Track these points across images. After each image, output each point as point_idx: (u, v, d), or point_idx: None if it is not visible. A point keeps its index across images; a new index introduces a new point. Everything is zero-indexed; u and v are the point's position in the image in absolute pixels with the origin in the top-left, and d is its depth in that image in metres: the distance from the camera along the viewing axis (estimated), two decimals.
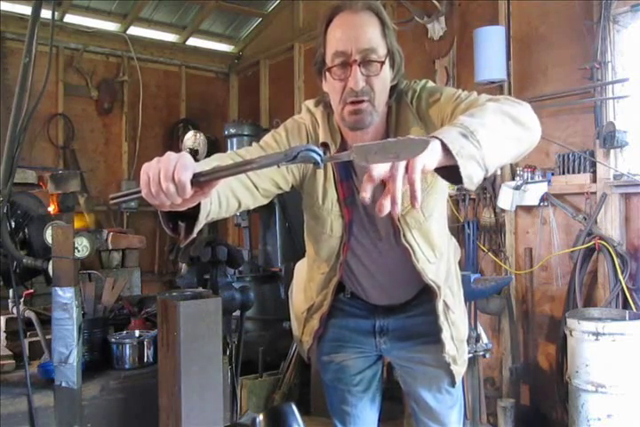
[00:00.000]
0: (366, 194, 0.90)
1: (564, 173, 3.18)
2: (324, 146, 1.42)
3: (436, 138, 0.93)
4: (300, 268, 1.74)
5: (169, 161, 0.92)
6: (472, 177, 0.96)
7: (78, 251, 2.07)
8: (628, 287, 2.85)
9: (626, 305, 2.86)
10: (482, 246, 3.59)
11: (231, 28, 5.91)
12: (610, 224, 2.98)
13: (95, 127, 5.40)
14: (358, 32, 1.29)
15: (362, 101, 1.30)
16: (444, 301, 1.51)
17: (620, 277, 2.85)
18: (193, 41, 5.87)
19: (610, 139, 2.92)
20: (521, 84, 3.48)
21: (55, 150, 5.13)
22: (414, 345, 1.59)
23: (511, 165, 3.45)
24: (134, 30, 5.52)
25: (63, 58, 5.17)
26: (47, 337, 1.83)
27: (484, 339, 2.92)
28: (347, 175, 1.44)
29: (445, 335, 1.52)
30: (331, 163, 1.43)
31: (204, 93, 6.02)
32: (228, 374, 1.98)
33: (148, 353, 1.91)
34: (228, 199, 1.21)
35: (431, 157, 0.90)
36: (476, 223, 3.61)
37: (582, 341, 2.66)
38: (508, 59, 3.45)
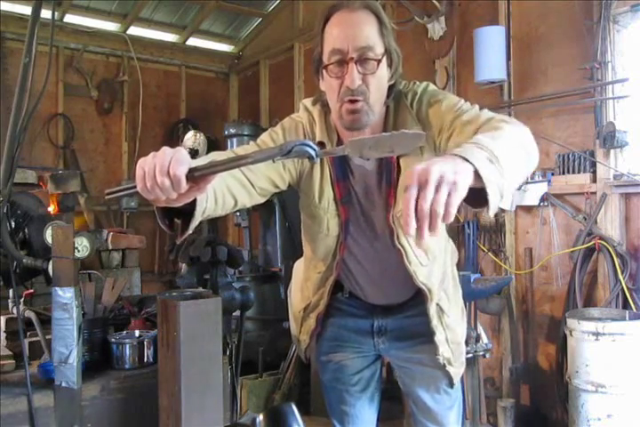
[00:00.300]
0: (411, 230, 0.84)
1: (563, 173, 3.18)
2: (321, 144, 1.42)
3: (467, 161, 0.90)
4: (299, 267, 1.74)
5: (164, 156, 0.92)
6: (494, 205, 0.95)
7: (78, 251, 2.07)
8: (627, 287, 2.85)
9: (626, 305, 2.86)
10: (482, 246, 3.59)
11: (231, 28, 5.91)
12: (610, 224, 2.98)
13: (95, 127, 5.40)
14: (355, 30, 1.29)
15: (357, 101, 1.30)
16: (437, 304, 1.51)
17: (620, 277, 2.85)
18: (193, 41, 5.87)
19: (610, 139, 2.91)
20: (521, 84, 3.48)
21: (55, 150, 5.13)
22: (412, 345, 1.59)
23: None
24: (134, 30, 5.52)
25: (63, 58, 5.17)
26: (47, 337, 1.82)
27: (484, 339, 2.92)
28: (343, 175, 1.44)
29: (439, 338, 1.52)
30: (327, 162, 1.43)
31: (204, 93, 6.02)
32: (228, 374, 1.98)
33: (148, 353, 1.91)
34: (224, 196, 1.21)
35: (468, 178, 0.88)
36: (476, 223, 3.61)
37: (582, 341, 2.66)
38: (508, 59, 3.45)
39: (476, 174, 0.90)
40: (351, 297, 1.61)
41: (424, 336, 1.55)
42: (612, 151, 2.98)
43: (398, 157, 1.38)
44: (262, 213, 4.29)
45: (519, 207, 3.40)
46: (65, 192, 2.90)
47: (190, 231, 1.08)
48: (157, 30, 5.67)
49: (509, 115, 3.48)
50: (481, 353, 2.89)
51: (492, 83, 3.46)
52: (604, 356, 2.61)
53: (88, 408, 1.74)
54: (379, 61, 1.30)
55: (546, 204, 3.25)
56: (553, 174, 3.22)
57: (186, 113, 5.86)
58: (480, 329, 2.96)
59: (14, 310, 1.99)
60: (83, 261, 2.21)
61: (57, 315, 1.67)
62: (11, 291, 2.09)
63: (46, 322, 1.86)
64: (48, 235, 2.08)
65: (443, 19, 3.81)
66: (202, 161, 1.06)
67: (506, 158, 0.97)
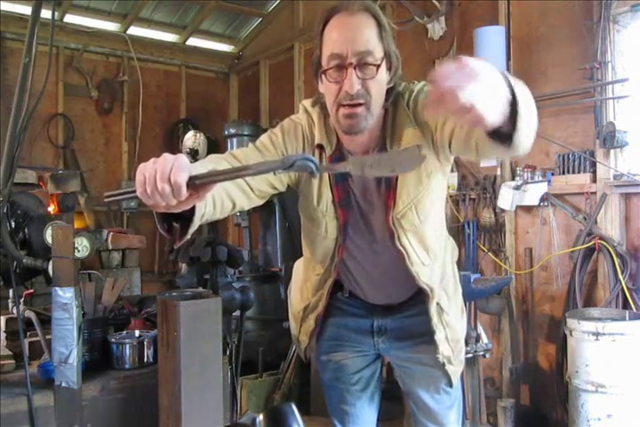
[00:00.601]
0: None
1: (564, 173, 3.18)
2: (319, 147, 1.42)
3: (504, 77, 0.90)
4: (298, 267, 1.74)
5: (165, 162, 0.92)
6: (524, 121, 0.94)
7: (78, 251, 2.07)
8: (627, 287, 2.85)
9: (626, 305, 2.86)
10: (482, 246, 3.59)
11: (231, 28, 5.91)
12: (610, 224, 2.98)
13: (95, 127, 5.40)
14: (355, 34, 1.28)
15: (357, 105, 1.29)
16: (437, 303, 1.51)
17: (620, 277, 2.85)
18: (193, 41, 5.87)
19: (610, 139, 2.91)
20: None
21: (55, 150, 5.13)
22: (412, 345, 1.59)
23: (511, 164, 3.46)
24: (134, 30, 5.52)
25: (63, 58, 5.17)
26: (47, 337, 1.83)
27: (484, 339, 2.92)
28: (342, 177, 1.44)
29: (439, 337, 1.52)
30: (326, 161, 1.43)
31: (204, 93, 6.02)
32: (228, 374, 1.98)
33: (148, 353, 1.91)
34: (222, 200, 1.21)
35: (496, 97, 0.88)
36: (476, 223, 3.61)
37: (582, 341, 2.66)
38: (508, 59, 3.45)
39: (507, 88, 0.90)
40: (351, 297, 1.61)
41: (424, 336, 1.55)
42: (612, 151, 2.98)
43: None
44: (262, 213, 4.29)
45: (519, 207, 3.40)
46: (65, 192, 2.89)
47: (189, 236, 1.08)
48: (157, 30, 5.67)
49: None
50: (481, 353, 2.89)
51: None
52: (604, 356, 2.61)
53: (88, 408, 1.74)
54: (378, 66, 1.29)
55: (546, 204, 3.25)
56: (553, 174, 3.22)
57: (186, 113, 5.86)
58: (480, 329, 2.96)
59: (14, 310, 1.99)
60: (83, 261, 2.21)
61: (57, 315, 1.67)
62: (11, 291, 2.09)
63: (46, 322, 1.86)
64: (48, 235, 2.08)
65: (443, 19, 3.82)
66: (200, 167, 1.06)
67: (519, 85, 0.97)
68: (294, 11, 5.27)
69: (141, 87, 5.42)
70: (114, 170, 5.46)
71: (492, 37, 3.39)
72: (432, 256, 1.49)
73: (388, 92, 1.37)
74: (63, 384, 1.66)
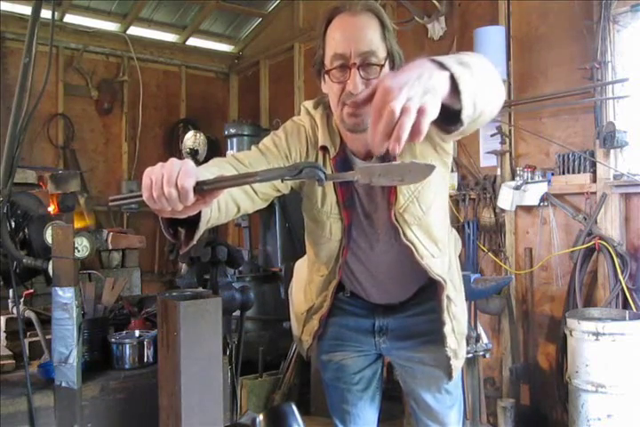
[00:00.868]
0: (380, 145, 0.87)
1: (564, 173, 3.18)
2: (323, 149, 1.42)
3: (442, 66, 0.93)
4: (300, 267, 1.74)
5: (172, 167, 0.92)
6: (468, 112, 0.97)
7: (78, 251, 2.07)
8: (627, 287, 2.85)
9: (626, 305, 2.86)
10: (482, 246, 3.59)
11: (231, 28, 5.91)
12: (610, 224, 2.98)
13: (95, 127, 5.40)
14: (358, 34, 1.28)
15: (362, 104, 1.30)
16: (447, 294, 1.51)
17: (620, 277, 2.85)
18: (193, 41, 5.87)
19: (610, 139, 2.92)
20: (521, 84, 3.48)
21: (55, 150, 5.13)
22: (414, 345, 1.59)
23: (511, 164, 3.46)
24: (134, 30, 5.51)
25: (63, 58, 5.17)
26: (47, 337, 1.82)
27: (484, 339, 2.92)
28: None
29: (447, 329, 1.51)
30: (330, 166, 1.42)
31: (204, 93, 6.02)
32: (228, 374, 1.98)
33: (148, 353, 1.91)
34: (227, 204, 1.21)
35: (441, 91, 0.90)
36: (476, 223, 3.61)
37: (582, 341, 2.67)
38: (508, 59, 3.45)
39: (451, 80, 0.93)
40: (353, 296, 1.61)
41: (426, 335, 1.55)
42: (611, 151, 2.99)
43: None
44: (262, 213, 4.29)
45: (519, 207, 3.40)
46: (65, 192, 2.89)
47: (195, 242, 1.08)
48: (157, 30, 5.67)
49: (509, 115, 3.48)
50: (481, 353, 2.89)
51: None
52: (603, 356, 2.61)
53: (88, 408, 1.74)
54: (381, 66, 1.29)
55: (546, 204, 3.25)
56: (553, 174, 3.22)
57: (186, 113, 5.86)
58: (480, 329, 2.96)
59: (14, 310, 1.99)
60: (83, 261, 2.21)
61: (57, 315, 1.67)
62: (11, 291, 2.09)
63: (46, 322, 1.85)
64: (48, 235, 2.08)
65: (443, 19, 3.82)
66: (205, 171, 1.05)
67: (475, 67, 1.00)
68: (294, 11, 5.27)
69: (141, 87, 5.42)
70: (114, 170, 5.46)
71: (491, 37, 3.39)
72: (441, 247, 1.49)
73: None
74: (63, 384, 1.66)
